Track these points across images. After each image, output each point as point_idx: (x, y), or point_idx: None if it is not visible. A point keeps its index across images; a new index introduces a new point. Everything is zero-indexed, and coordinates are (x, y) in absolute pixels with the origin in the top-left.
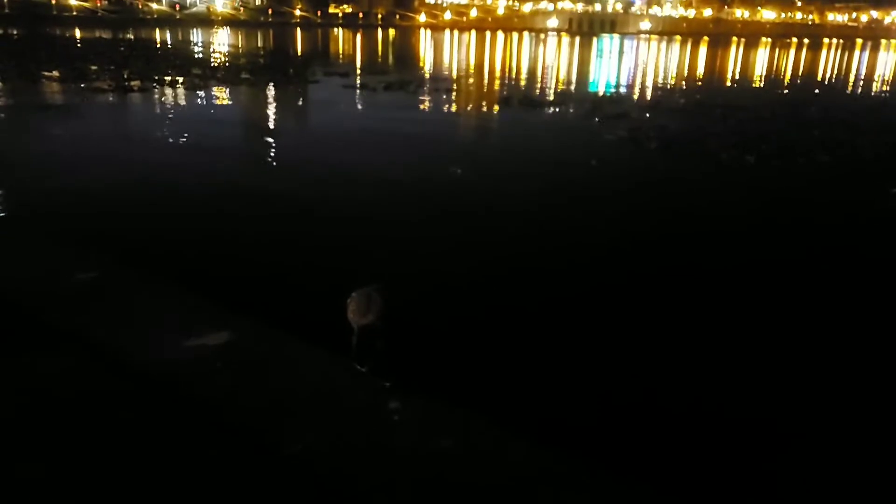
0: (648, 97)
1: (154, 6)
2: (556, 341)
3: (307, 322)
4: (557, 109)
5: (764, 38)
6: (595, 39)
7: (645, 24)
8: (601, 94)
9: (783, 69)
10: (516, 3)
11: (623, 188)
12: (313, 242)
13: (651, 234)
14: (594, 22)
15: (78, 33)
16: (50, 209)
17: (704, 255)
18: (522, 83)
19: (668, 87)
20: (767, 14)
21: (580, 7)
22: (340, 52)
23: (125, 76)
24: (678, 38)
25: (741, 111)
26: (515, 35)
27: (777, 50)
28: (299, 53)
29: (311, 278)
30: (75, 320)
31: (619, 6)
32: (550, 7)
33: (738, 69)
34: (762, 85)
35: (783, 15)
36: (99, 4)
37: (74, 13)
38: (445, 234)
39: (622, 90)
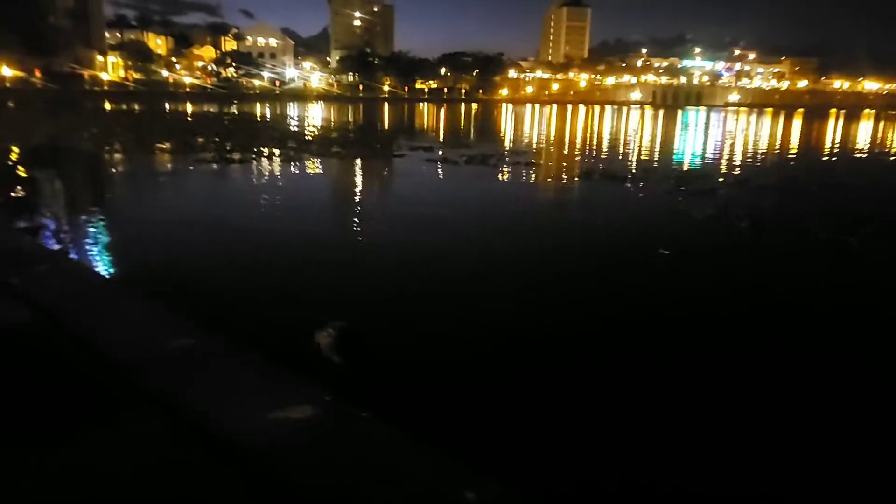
0: (737, 172)
1: (256, 83)
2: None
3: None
4: (640, 184)
5: (867, 110)
6: (680, 112)
7: (733, 97)
8: (686, 168)
9: (889, 144)
10: (598, 77)
11: (713, 276)
12: (397, 319)
13: (765, 338)
14: (679, 95)
15: (189, 107)
16: (152, 267)
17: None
18: (604, 156)
19: (760, 161)
20: (870, 85)
21: (664, 80)
22: (425, 125)
23: (228, 148)
24: (769, 110)
25: (840, 189)
26: (597, 108)
27: (882, 122)
28: (386, 127)
29: (391, 353)
30: (167, 387)
31: (705, 78)
32: (633, 80)
33: (836, 143)
34: (864, 160)
35: (888, 85)
36: (209, 82)
37: (188, 89)
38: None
39: (709, 164)
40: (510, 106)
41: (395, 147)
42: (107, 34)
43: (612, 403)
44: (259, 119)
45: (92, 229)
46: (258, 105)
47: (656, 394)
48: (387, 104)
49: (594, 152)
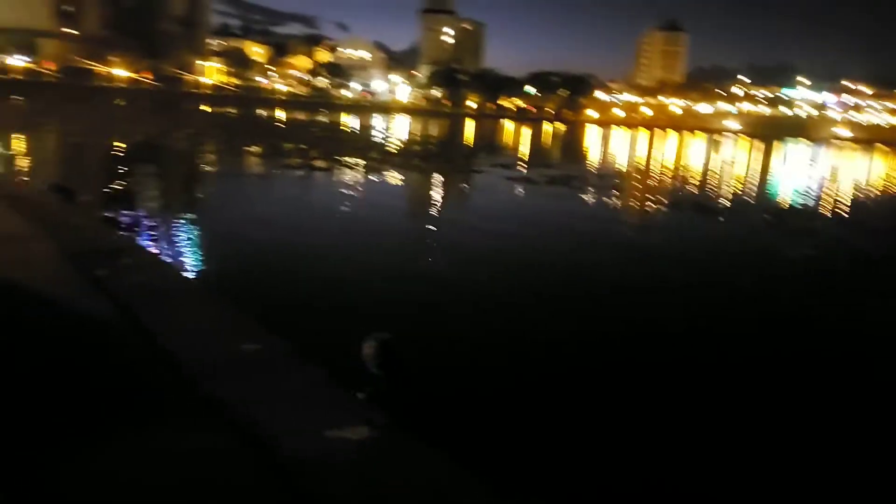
0: (842, 211)
1: (346, 93)
2: None
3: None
4: (732, 218)
5: None
6: (779, 144)
7: (840, 131)
8: (784, 203)
9: None
10: (692, 103)
11: (803, 323)
12: (453, 334)
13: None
14: (779, 125)
15: (281, 114)
16: (230, 267)
17: None
18: (695, 186)
19: (868, 201)
20: None
21: (763, 109)
22: (508, 143)
23: (314, 156)
24: (881, 147)
25: None
26: (689, 136)
27: None
28: (469, 143)
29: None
30: (230, 395)
31: (809, 110)
32: (730, 108)
33: None
34: None
35: None
36: (301, 90)
37: (281, 97)
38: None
39: (810, 201)
40: (597, 128)
41: (475, 163)
42: (210, 41)
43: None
44: (346, 129)
45: (178, 226)
46: (346, 115)
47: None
48: (471, 120)
49: (684, 181)
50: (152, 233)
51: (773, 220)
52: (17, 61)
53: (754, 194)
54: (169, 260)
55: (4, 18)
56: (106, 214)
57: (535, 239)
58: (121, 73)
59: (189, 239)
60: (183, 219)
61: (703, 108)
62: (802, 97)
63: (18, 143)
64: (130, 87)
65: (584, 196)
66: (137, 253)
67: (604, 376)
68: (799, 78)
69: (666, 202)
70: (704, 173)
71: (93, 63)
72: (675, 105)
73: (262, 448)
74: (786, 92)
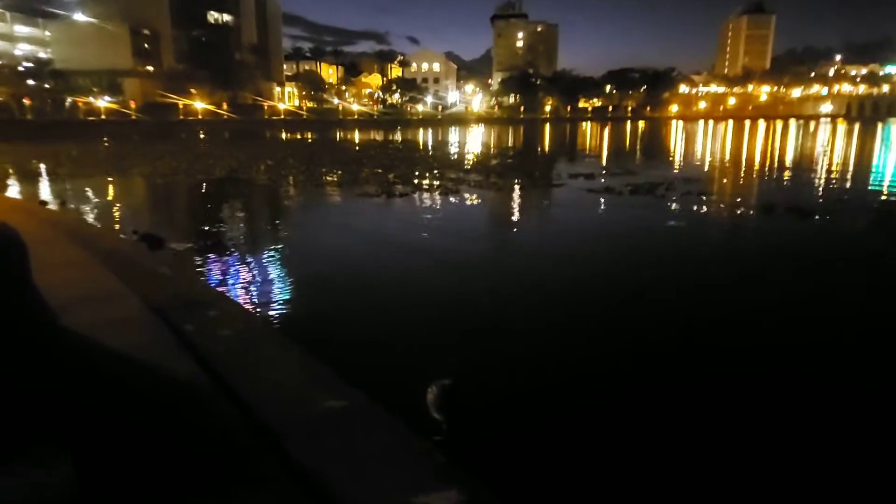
0: None
1: (420, 108)
2: None
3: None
4: (834, 220)
5: None
6: (881, 126)
7: None
8: (891, 200)
9: None
10: (781, 89)
11: None
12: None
13: None
14: (880, 106)
15: (357, 135)
16: (311, 312)
17: None
18: (788, 182)
19: None
20: None
21: (862, 89)
22: (587, 147)
23: (391, 179)
24: None
25: None
26: (780, 124)
27: None
28: (546, 151)
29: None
30: (311, 458)
31: None
32: (824, 91)
33: None
34: None
35: None
36: (375, 108)
37: (356, 116)
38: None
39: None
40: (680, 123)
41: (554, 175)
42: (284, 66)
43: None
44: (421, 146)
45: (264, 271)
46: (421, 131)
47: None
48: (548, 125)
49: (777, 177)
50: (239, 279)
51: (879, 219)
52: (103, 102)
53: (855, 189)
54: (254, 309)
55: (90, 62)
56: (194, 261)
57: (611, 260)
58: (199, 105)
59: (274, 284)
60: (268, 262)
61: (795, 92)
62: None
63: (106, 188)
64: (209, 118)
65: (670, 205)
66: (224, 304)
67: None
68: None
69: (757, 205)
70: (798, 166)
71: (172, 96)
72: (764, 93)
73: None
74: (888, 69)
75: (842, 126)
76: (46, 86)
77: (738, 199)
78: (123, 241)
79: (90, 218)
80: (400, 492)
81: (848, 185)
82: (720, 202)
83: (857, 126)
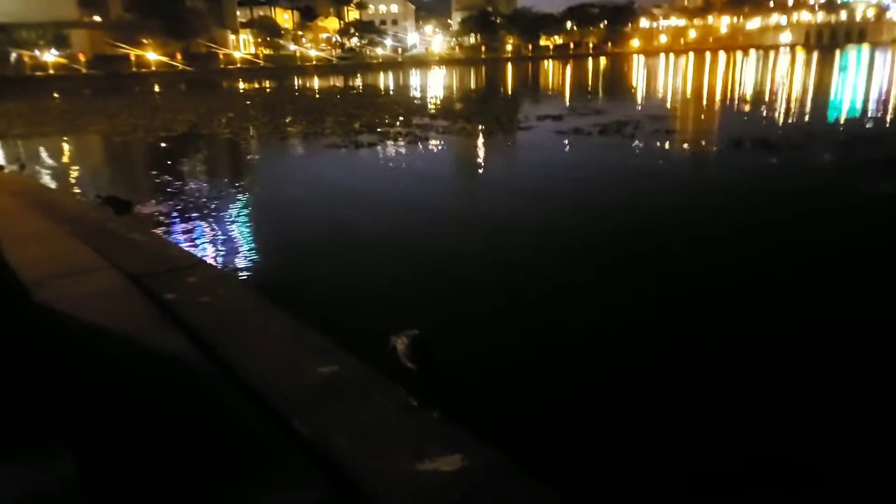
0: None
1: (379, 51)
2: None
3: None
4: (803, 154)
5: None
6: (839, 53)
7: None
8: (855, 128)
9: None
10: (741, 19)
11: None
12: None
13: None
14: (837, 33)
15: (317, 82)
16: (292, 271)
17: None
18: (752, 116)
19: None
20: None
21: (820, 17)
22: (551, 87)
23: (356, 128)
24: None
25: None
26: (740, 55)
27: None
28: (511, 92)
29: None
30: (315, 430)
31: (869, 13)
32: (783, 21)
33: None
34: None
35: None
36: (334, 53)
37: (314, 62)
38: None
39: (885, 123)
40: (642, 58)
41: (521, 118)
42: (238, 12)
43: None
44: (384, 91)
45: (236, 231)
46: (382, 75)
47: None
48: (510, 65)
49: (741, 111)
50: (212, 240)
51: (847, 150)
52: (51, 56)
53: (818, 120)
54: (233, 271)
55: (32, 14)
56: (164, 223)
57: (592, 208)
58: (152, 56)
59: (248, 244)
60: (240, 221)
61: (754, 23)
62: (862, 0)
63: (64, 149)
64: (163, 70)
65: (638, 144)
66: (202, 269)
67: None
68: None
69: (725, 141)
70: (760, 99)
71: (123, 48)
72: (724, 24)
73: (353, 495)
74: None
75: (801, 55)
76: None
77: (706, 136)
78: (89, 207)
79: (51, 182)
80: (406, 460)
81: (810, 116)
82: (688, 140)
83: (815, 54)
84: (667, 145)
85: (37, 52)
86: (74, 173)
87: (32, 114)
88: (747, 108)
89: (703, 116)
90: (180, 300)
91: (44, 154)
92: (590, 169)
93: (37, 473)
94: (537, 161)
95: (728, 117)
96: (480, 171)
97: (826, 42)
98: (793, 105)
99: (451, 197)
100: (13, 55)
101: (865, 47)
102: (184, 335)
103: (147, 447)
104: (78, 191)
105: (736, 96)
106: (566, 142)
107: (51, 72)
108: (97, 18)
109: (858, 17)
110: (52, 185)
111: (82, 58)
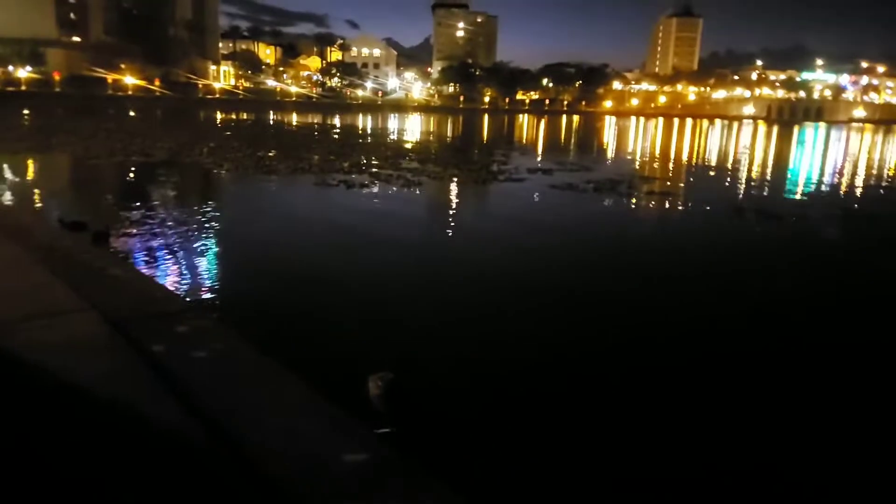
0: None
1: (359, 93)
2: None
3: None
4: (800, 221)
5: None
6: (797, 129)
7: (858, 112)
8: (843, 196)
9: None
10: (708, 90)
11: None
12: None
13: None
14: (797, 110)
15: (295, 118)
16: (280, 323)
17: None
18: (744, 184)
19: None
20: None
21: (781, 93)
22: (532, 141)
23: (345, 168)
24: None
25: None
26: (706, 123)
27: None
28: (493, 143)
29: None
30: None
31: (826, 93)
32: (747, 94)
33: None
34: None
35: None
36: (314, 91)
37: (294, 98)
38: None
39: (865, 191)
40: (614, 119)
41: (511, 169)
42: (220, 44)
43: None
44: (366, 133)
45: (223, 270)
46: (361, 116)
47: None
48: (487, 116)
49: (730, 178)
50: (201, 283)
51: (843, 216)
52: (24, 73)
53: (807, 189)
54: (224, 320)
55: (9, 28)
56: (144, 258)
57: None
58: (130, 80)
59: (242, 288)
60: (229, 262)
61: (720, 94)
62: (819, 80)
63: (37, 170)
64: (140, 94)
65: (639, 205)
66: (190, 315)
67: None
68: (816, 60)
69: (727, 208)
70: (744, 167)
71: (100, 71)
72: (692, 92)
73: None
74: (804, 75)
75: (762, 128)
76: None
77: (704, 200)
78: (63, 235)
79: (21, 206)
80: None
81: (795, 184)
82: (688, 202)
83: (775, 128)
84: (667, 206)
85: (10, 68)
86: (44, 196)
87: (0, 130)
88: (735, 175)
89: (694, 181)
90: (171, 354)
91: (11, 173)
92: (605, 232)
93: None
94: (543, 219)
95: (720, 183)
96: (490, 225)
97: (786, 117)
98: (772, 174)
99: (477, 254)
100: None
101: (821, 125)
102: (179, 403)
103: None
104: (52, 216)
105: (719, 164)
106: (562, 196)
107: (23, 88)
108: (76, 39)
109: (816, 96)
110: (23, 208)
111: (57, 77)
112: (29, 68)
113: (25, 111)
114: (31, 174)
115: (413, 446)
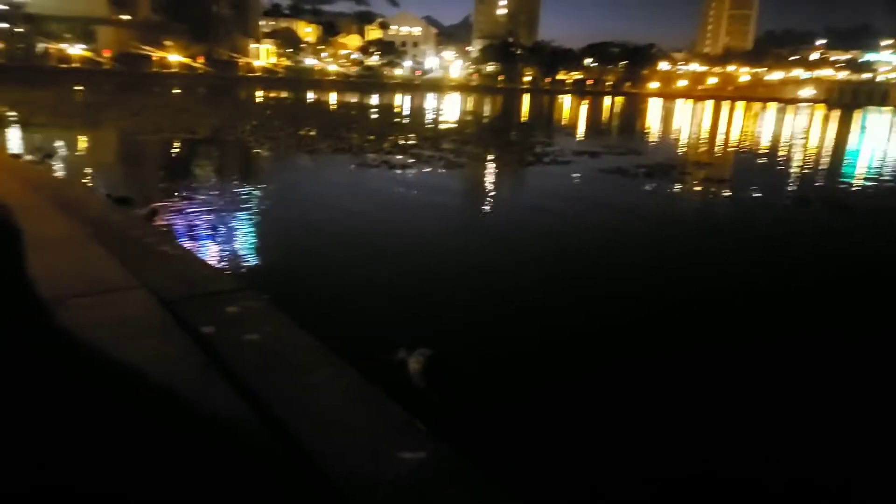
0: None
1: (397, 72)
2: None
3: None
4: (882, 218)
5: None
6: (860, 114)
7: None
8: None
9: None
10: (763, 71)
11: None
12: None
13: None
14: (860, 93)
15: (333, 96)
16: (328, 291)
17: None
18: (807, 170)
19: None
20: None
21: (843, 75)
22: (575, 122)
23: (385, 148)
24: None
25: None
26: (758, 106)
27: None
28: (535, 124)
29: None
30: None
31: (893, 75)
32: (806, 75)
33: None
34: None
35: None
36: (352, 70)
37: (332, 77)
38: None
39: None
40: (660, 100)
41: (556, 151)
42: (261, 22)
43: None
44: (405, 112)
45: (274, 250)
46: (399, 95)
47: None
48: (527, 96)
49: (790, 163)
50: (250, 262)
51: None
52: (77, 50)
53: (873, 176)
54: (276, 302)
55: (64, 7)
56: (195, 234)
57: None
58: (174, 58)
59: (294, 269)
60: (275, 240)
61: (775, 75)
62: (885, 61)
63: (88, 143)
64: (185, 72)
65: (696, 192)
66: (242, 296)
67: None
68: (883, 41)
69: (792, 197)
70: (805, 152)
71: (147, 49)
72: (744, 74)
73: None
74: (869, 56)
75: (820, 112)
76: (18, 29)
77: (764, 188)
78: (115, 209)
79: (74, 178)
80: None
81: (862, 171)
82: (747, 190)
83: (836, 112)
84: (724, 194)
85: (64, 45)
86: (98, 171)
87: (55, 104)
88: (795, 160)
89: (751, 167)
90: (222, 337)
91: (68, 147)
92: (667, 219)
93: None
94: (601, 203)
95: (780, 170)
96: (532, 203)
97: (847, 101)
98: (836, 161)
99: (511, 227)
100: (40, 46)
101: (885, 110)
102: (232, 388)
103: None
104: (103, 191)
105: (777, 148)
106: (611, 181)
107: (75, 65)
108: (125, 17)
109: (882, 79)
110: (76, 181)
111: (107, 54)
112: (81, 45)
113: (77, 87)
114: (82, 149)
115: (459, 428)
